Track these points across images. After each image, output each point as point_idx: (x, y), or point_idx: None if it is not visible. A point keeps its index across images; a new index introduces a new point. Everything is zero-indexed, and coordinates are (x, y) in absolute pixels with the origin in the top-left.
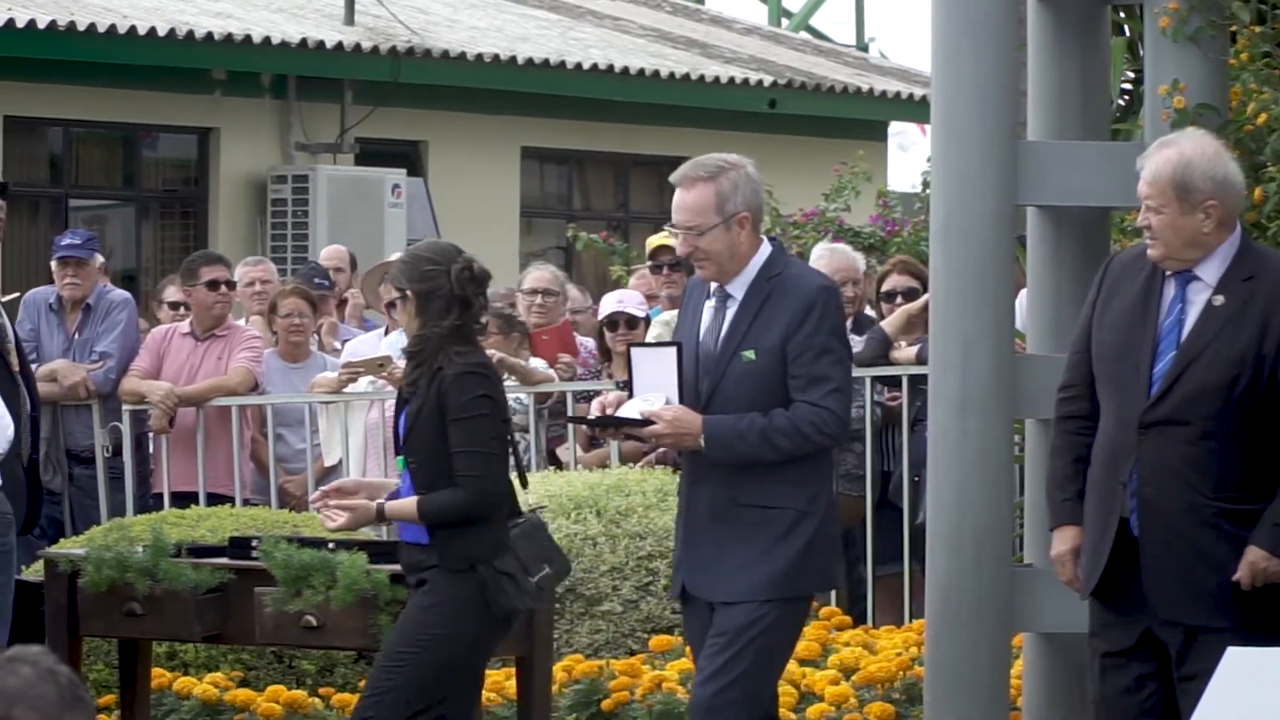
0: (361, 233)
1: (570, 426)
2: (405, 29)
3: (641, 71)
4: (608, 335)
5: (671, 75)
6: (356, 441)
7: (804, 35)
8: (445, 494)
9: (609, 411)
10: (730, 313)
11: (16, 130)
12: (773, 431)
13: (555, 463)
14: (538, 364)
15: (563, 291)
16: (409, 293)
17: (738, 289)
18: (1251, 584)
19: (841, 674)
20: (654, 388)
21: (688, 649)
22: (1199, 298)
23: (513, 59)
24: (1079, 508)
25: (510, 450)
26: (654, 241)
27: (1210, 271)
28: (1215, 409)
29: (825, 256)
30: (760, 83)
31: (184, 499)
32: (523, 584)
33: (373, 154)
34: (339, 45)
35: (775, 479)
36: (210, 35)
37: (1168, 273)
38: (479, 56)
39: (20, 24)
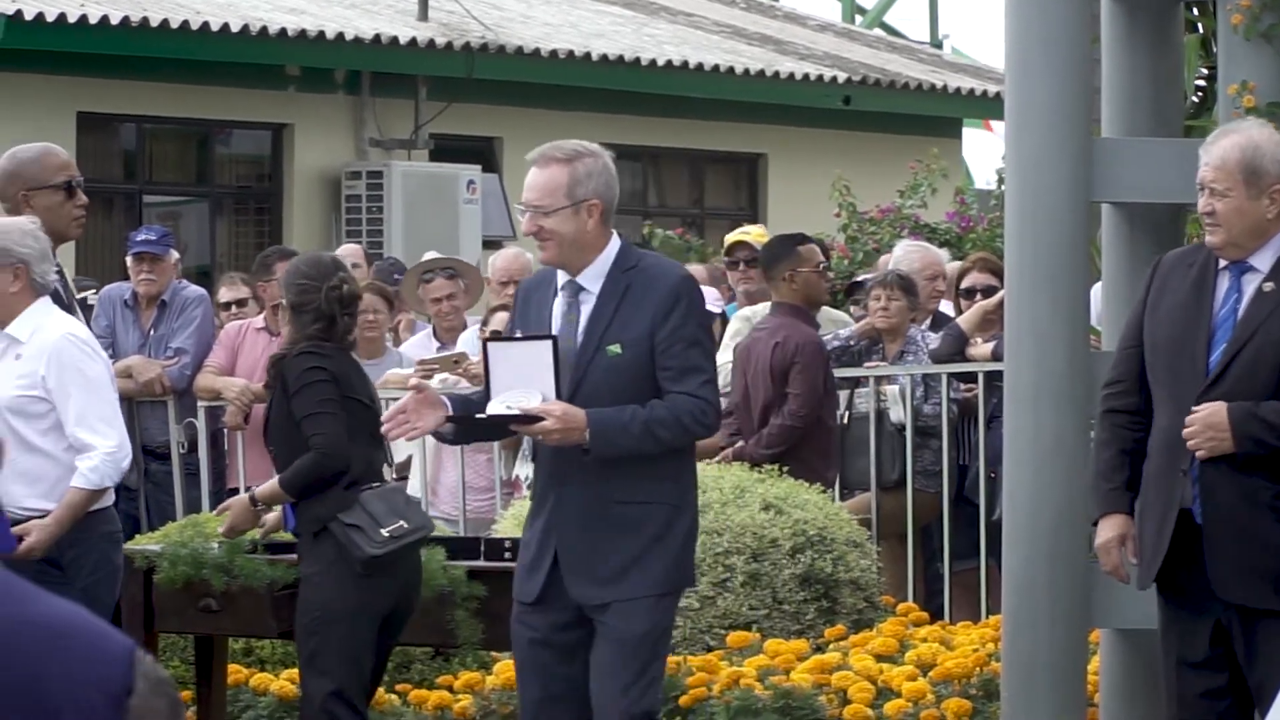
0: (436, 229)
1: None
2: (479, 25)
3: (716, 68)
4: None
5: (746, 72)
6: (428, 439)
7: (878, 32)
8: (298, 460)
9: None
10: (587, 307)
11: (90, 126)
12: (654, 423)
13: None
14: None
15: None
16: (284, 302)
17: (591, 282)
18: None
19: (919, 670)
20: (519, 383)
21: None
22: (1252, 287)
23: (587, 55)
24: (1125, 497)
25: (367, 420)
26: (731, 237)
27: (1265, 260)
28: (1269, 391)
29: (912, 253)
30: (834, 79)
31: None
32: (373, 535)
33: (447, 150)
34: (413, 41)
35: (647, 475)
36: (284, 31)
37: (1222, 265)
38: (553, 52)
39: (94, 20)
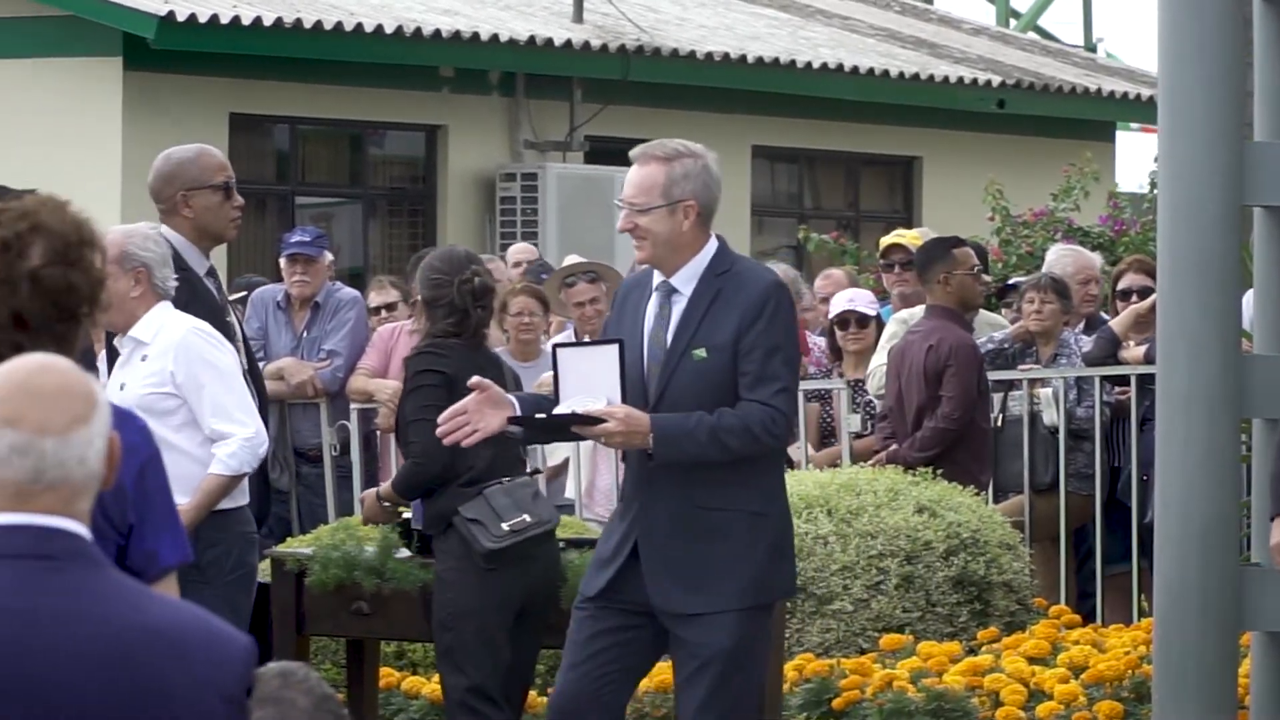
0: (591, 231)
1: (803, 425)
2: (634, 27)
3: (871, 71)
4: (838, 334)
5: (901, 75)
6: (585, 441)
7: (1032, 35)
8: (401, 466)
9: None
10: (678, 310)
11: (243, 127)
12: (721, 430)
13: (786, 462)
14: None
15: (798, 290)
16: (418, 298)
17: (684, 284)
18: None
19: (1071, 672)
20: (586, 389)
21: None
22: None
23: (743, 58)
24: None
25: None
26: (886, 240)
27: None
28: None
29: (1066, 257)
30: (989, 83)
31: None
32: (492, 528)
33: (602, 152)
34: (567, 43)
35: (732, 482)
36: (438, 33)
37: None
38: (709, 55)
39: (246, 21)
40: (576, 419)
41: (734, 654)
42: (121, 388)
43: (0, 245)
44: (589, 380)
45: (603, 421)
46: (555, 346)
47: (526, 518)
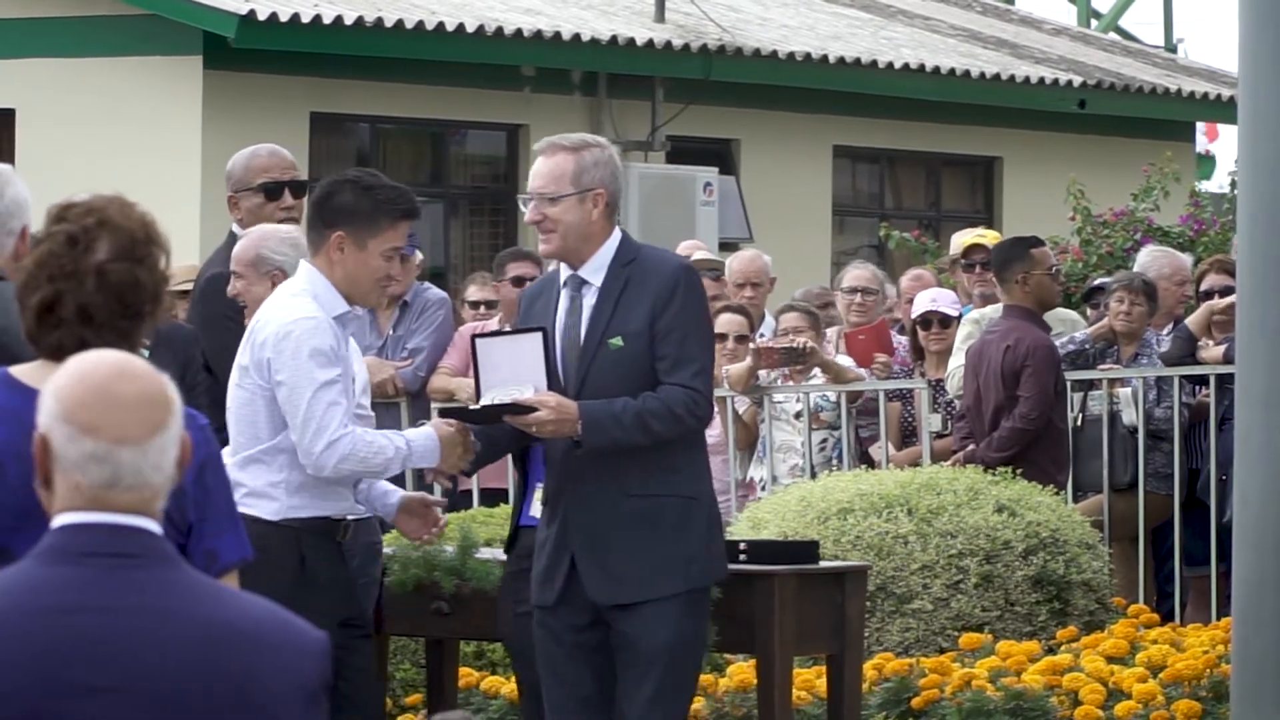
0: (673, 231)
1: (884, 424)
2: (716, 27)
3: (952, 71)
4: (920, 334)
5: (982, 75)
6: None
7: (1112, 36)
8: None
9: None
10: (589, 300)
11: (324, 126)
12: (646, 414)
13: (867, 461)
14: (846, 362)
15: (881, 290)
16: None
17: (593, 275)
18: None
19: (1149, 671)
20: (509, 378)
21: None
22: None
23: (824, 57)
24: None
25: None
26: (966, 240)
27: None
28: None
29: (1160, 258)
30: (1070, 83)
31: (493, 497)
32: None
33: (684, 152)
34: (649, 43)
35: (659, 468)
36: (520, 32)
37: None
38: (790, 55)
39: (328, 20)
40: (508, 409)
41: (680, 644)
42: None
43: (68, 239)
44: (510, 370)
45: (534, 410)
46: (474, 337)
47: None
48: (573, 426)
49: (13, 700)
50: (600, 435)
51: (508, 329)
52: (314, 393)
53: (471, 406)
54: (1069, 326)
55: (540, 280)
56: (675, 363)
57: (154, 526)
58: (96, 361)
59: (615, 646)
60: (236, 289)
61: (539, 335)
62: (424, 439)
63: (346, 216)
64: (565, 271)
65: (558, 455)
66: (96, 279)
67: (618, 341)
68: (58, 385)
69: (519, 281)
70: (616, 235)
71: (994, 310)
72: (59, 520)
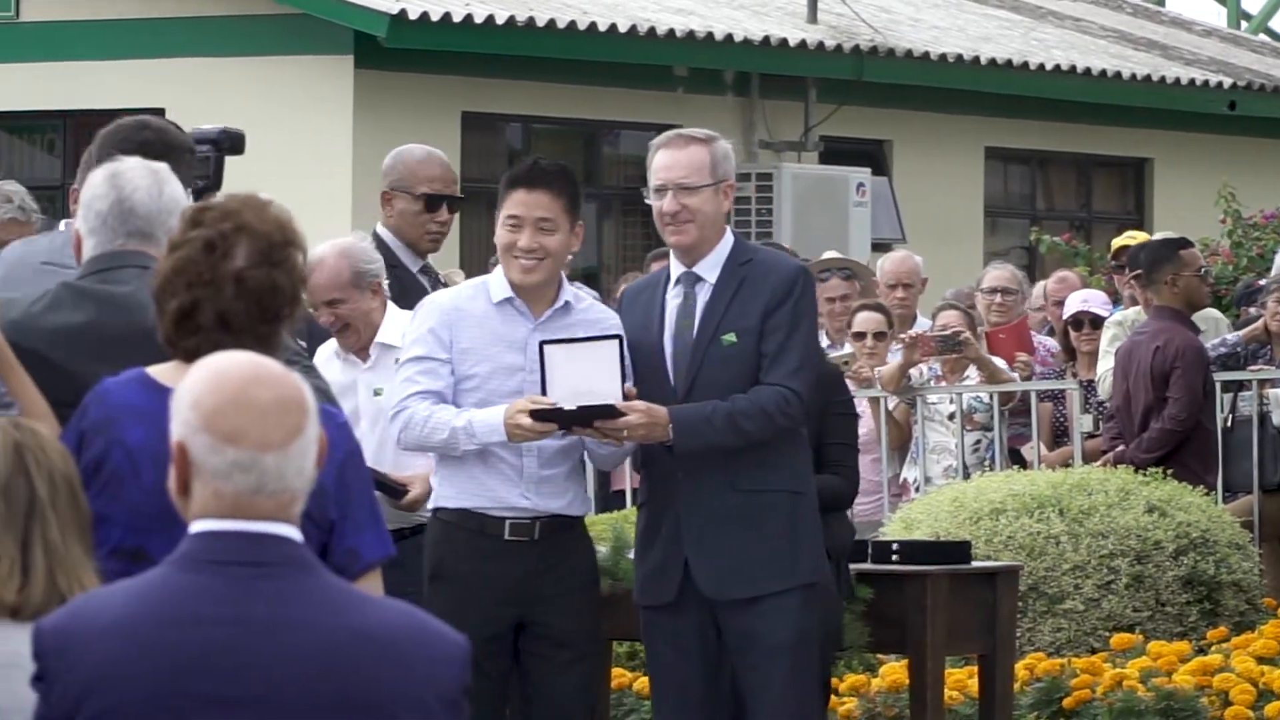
0: (826, 232)
1: (1035, 425)
2: (868, 28)
3: (1103, 73)
4: (1072, 334)
5: (1133, 76)
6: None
7: (1263, 37)
8: None
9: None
10: (703, 297)
11: (475, 126)
12: (737, 414)
13: (1019, 461)
14: (999, 363)
15: (1021, 290)
16: None
17: (709, 272)
18: None
19: None
20: (577, 385)
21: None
22: None
23: (975, 59)
24: None
25: None
26: (1118, 242)
27: None
28: None
29: None
30: (1220, 85)
31: None
32: None
33: (837, 152)
34: (802, 43)
35: (766, 463)
36: (672, 32)
37: None
38: (942, 56)
39: (479, 19)
40: (600, 412)
41: (801, 638)
42: (376, 394)
43: (205, 246)
44: (581, 377)
45: (622, 415)
46: (543, 343)
47: None
48: (664, 431)
49: (143, 710)
50: (693, 438)
51: (580, 335)
52: (400, 365)
53: (566, 408)
54: (1213, 325)
55: (642, 280)
56: (774, 361)
57: (293, 533)
58: (229, 366)
59: (733, 647)
60: (339, 313)
61: (616, 342)
62: (487, 416)
63: None
64: (677, 269)
65: (658, 459)
66: (235, 286)
67: (731, 338)
68: (193, 393)
69: None
70: (729, 235)
71: (1135, 312)
72: (197, 526)
